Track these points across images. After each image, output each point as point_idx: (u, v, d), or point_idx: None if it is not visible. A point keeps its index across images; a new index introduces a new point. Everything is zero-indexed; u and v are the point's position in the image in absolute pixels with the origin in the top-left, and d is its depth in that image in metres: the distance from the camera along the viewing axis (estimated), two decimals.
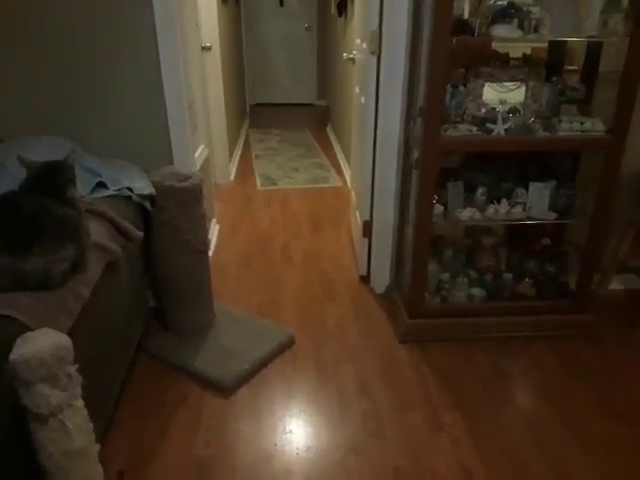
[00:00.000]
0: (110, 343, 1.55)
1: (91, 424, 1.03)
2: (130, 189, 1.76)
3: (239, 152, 5.20)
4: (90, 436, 1.03)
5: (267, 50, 7.31)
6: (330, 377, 2.06)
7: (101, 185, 1.73)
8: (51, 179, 1.25)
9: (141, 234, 1.64)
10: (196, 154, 2.71)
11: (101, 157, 1.95)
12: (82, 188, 1.53)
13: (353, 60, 3.01)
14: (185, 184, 1.93)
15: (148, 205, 1.85)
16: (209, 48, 3.72)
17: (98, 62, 2.12)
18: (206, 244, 2.11)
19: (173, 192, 1.91)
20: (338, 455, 1.69)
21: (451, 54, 1.88)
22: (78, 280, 1.25)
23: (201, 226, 2.06)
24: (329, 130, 6.11)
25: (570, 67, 2.34)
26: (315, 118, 6.78)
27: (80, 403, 0.99)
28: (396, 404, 1.92)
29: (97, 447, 1.05)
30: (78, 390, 0.99)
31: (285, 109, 7.40)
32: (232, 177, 4.45)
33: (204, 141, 2.99)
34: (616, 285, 2.64)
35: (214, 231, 3.27)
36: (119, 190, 1.73)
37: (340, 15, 4.66)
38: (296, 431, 1.80)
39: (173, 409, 1.87)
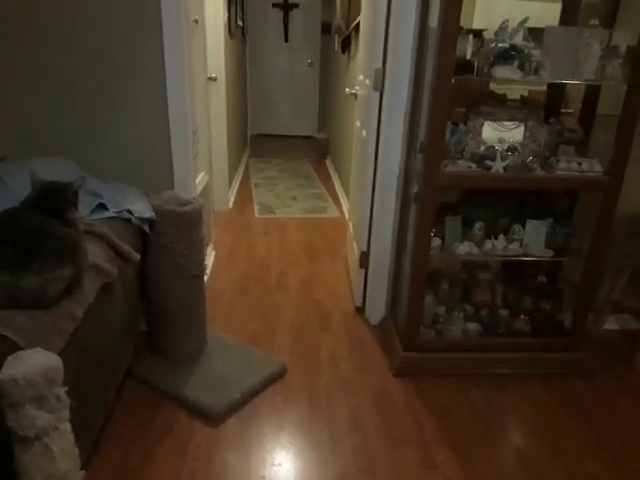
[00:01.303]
0: (100, 366, 1.52)
1: (76, 449, 1.00)
2: (130, 212, 1.76)
3: (239, 180, 5.24)
4: (75, 462, 1.00)
5: (270, 83, 7.45)
6: (321, 409, 2.02)
7: (101, 206, 1.73)
8: (54, 199, 1.25)
9: (138, 256, 1.63)
10: (197, 180, 2.72)
11: (102, 178, 1.97)
12: (82, 209, 1.53)
13: (355, 95, 3.07)
14: (186, 209, 1.93)
15: (147, 228, 1.85)
16: (215, 79, 3.80)
17: (103, 84, 2.15)
18: (202, 269, 2.10)
19: (173, 216, 1.91)
20: None
21: (452, 93, 1.92)
22: (73, 300, 1.23)
23: (198, 251, 2.05)
24: (328, 162, 6.18)
25: (567, 110, 2.39)
26: (315, 150, 6.86)
27: (67, 427, 0.96)
28: (388, 439, 1.88)
29: (82, 474, 1.02)
30: (66, 413, 0.96)
31: (286, 141, 7.49)
32: (230, 204, 4.47)
33: (205, 168, 3.01)
34: (611, 325, 2.63)
35: (210, 257, 3.27)
36: (119, 212, 1.74)
37: (343, 52, 4.78)
38: (285, 464, 1.75)
39: (160, 437, 1.83)
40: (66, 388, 0.95)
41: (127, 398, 2.00)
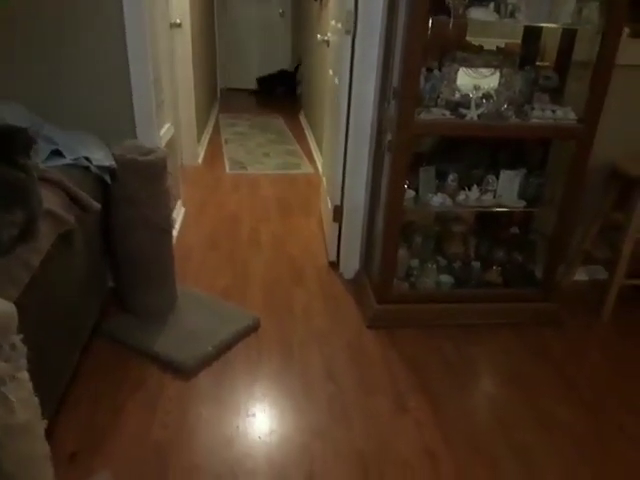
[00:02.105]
0: (62, 319, 1.46)
1: (36, 399, 0.95)
2: (88, 159, 1.66)
3: (208, 135, 5.08)
4: (35, 411, 0.96)
5: (240, 34, 7.16)
6: (296, 361, 2.01)
7: (57, 153, 1.62)
8: (5, 142, 1.15)
9: (98, 205, 1.55)
10: (162, 131, 2.61)
11: (59, 127, 1.84)
12: (37, 156, 1.43)
13: (327, 42, 2.95)
14: (148, 158, 1.84)
15: (108, 178, 1.76)
16: (179, 25, 3.60)
17: (61, 29, 2.00)
18: (169, 222, 2.03)
19: (135, 166, 1.82)
20: (302, 439, 1.65)
21: (427, 36, 1.85)
22: (27, 248, 1.16)
23: (164, 203, 1.97)
24: (302, 117, 6.04)
25: (544, 63, 2.34)
26: (287, 104, 6.70)
27: (25, 375, 0.92)
28: (362, 388, 1.89)
29: (44, 423, 0.98)
30: (23, 362, 0.91)
31: (257, 95, 7.28)
32: (200, 160, 4.34)
33: (170, 119, 2.88)
34: (581, 276, 2.67)
35: (180, 213, 3.18)
36: (76, 160, 1.63)
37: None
38: (259, 415, 1.75)
39: (130, 392, 1.79)
40: (21, 336, 0.90)
41: (96, 355, 1.96)
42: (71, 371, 1.66)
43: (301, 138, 5.25)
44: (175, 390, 1.82)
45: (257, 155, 4.61)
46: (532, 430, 1.74)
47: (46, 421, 0.98)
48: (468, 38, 2.35)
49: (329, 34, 2.90)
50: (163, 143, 2.59)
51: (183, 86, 3.81)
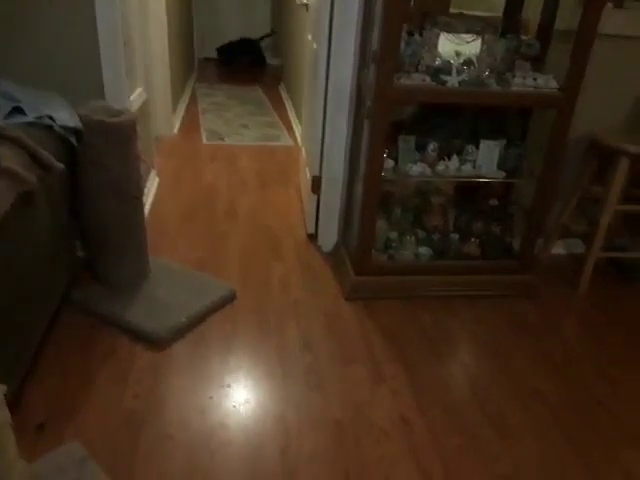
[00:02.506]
0: (24, 284, 1.40)
1: None
2: (52, 118, 1.57)
3: (184, 105, 4.94)
4: None
5: (219, 3, 6.94)
6: (272, 332, 1.98)
7: (19, 111, 1.53)
8: None
9: (61, 165, 1.47)
10: (132, 96, 2.50)
11: (20, 84, 1.74)
12: None
13: (307, 6, 2.86)
14: (117, 119, 1.76)
15: (74, 140, 1.67)
16: None
17: None
18: (140, 189, 1.96)
19: (103, 128, 1.73)
20: (277, 409, 1.63)
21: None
22: None
23: (134, 169, 1.89)
24: (281, 89, 5.91)
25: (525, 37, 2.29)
26: (267, 76, 6.55)
27: None
28: (339, 358, 1.87)
29: (3, 389, 0.93)
30: None
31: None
32: (176, 130, 4.21)
33: (142, 84, 2.77)
34: (559, 249, 2.68)
35: (154, 183, 3.09)
36: (39, 118, 1.54)
37: None
38: (234, 385, 1.72)
39: (100, 362, 1.74)
40: None
41: (66, 324, 1.89)
42: (38, 339, 1.60)
43: (281, 110, 5.15)
44: (147, 361, 1.78)
45: (235, 126, 4.50)
46: (508, 399, 1.74)
47: (4, 386, 0.93)
48: (453, 10, 2.30)
49: None
50: (134, 108, 2.49)
51: (157, 51, 3.67)
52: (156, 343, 1.84)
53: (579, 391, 1.81)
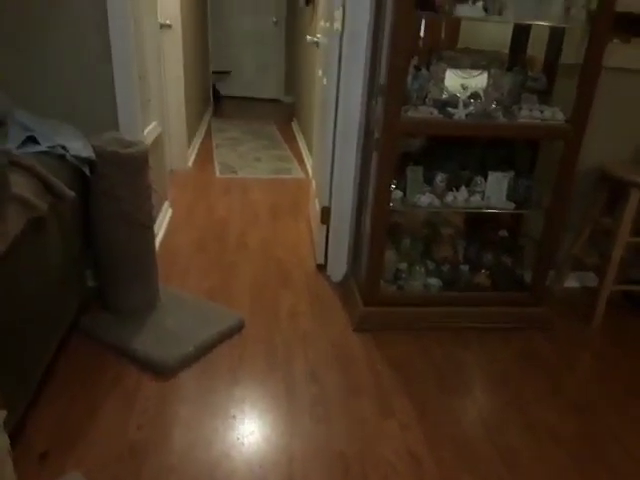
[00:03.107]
0: (32, 311, 1.41)
1: None
2: (65, 148, 1.62)
3: (200, 140, 5.05)
4: None
5: (234, 43, 7.17)
6: (279, 363, 1.96)
7: (32, 140, 1.58)
8: None
9: (72, 193, 1.50)
10: (147, 129, 2.57)
11: (37, 115, 1.80)
12: (10, 142, 1.40)
13: (317, 44, 2.94)
14: (130, 150, 1.80)
15: (87, 170, 1.72)
16: (169, 26, 3.59)
17: (44, 14, 1.96)
18: (150, 219, 1.99)
19: (116, 158, 1.78)
20: (282, 441, 1.60)
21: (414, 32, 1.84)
22: None
23: (145, 199, 1.93)
24: (294, 125, 6.03)
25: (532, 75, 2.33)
26: (281, 113, 6.69)
27: None
28: (346, 390, 1.84)
29: (3, 414, 0.93)
30: None
31: (250, 103, 7.28)
32: (190, 163, 4.30)
33: (157, 118, 2.85)
34: (572, 282, 2.64)
35: (167, 214, 3.14)
36: (52, 148, 1.59)
37: (307, 4, 4.59)
38: (239, 416, 1.69)
39: (106, 391, 1.74)
40: None
41: (74, 352, 1.90)
42: (45, 365, 1.60)
43: (293, 144, 5.24)
44: (153, 390, 1.77)
45: (248, 159, 4.58)
46: (519, 434, 1.69)
47: (4, 411, 0.93)
48: (460, 46, 2.36)
49: (318, 35, 2.89)
50: (149, 141, 2.56)
51: (173, 87, 3.79)
52: (163, 372, 1.83)
53: (593, 426, 1.75)
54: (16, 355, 1.32)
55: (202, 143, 5.03)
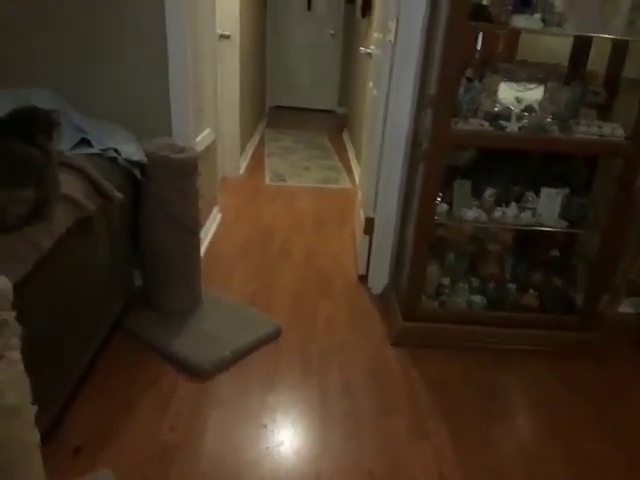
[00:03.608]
0: (77, 308, 1.46)
1: (27, 382, 0.94)
2: (117, 151, 1.68)
3: (252, 148, 5.15)
4: (25, 395, 0.94)
5: (291, 54, 7.29)
6: (314, 373, 1.95)
7: (86, 142, 1.65)
8: (25, 122, 1.17)
9: (120, 195, 1.55)
10: (201, 136, 2.64)
11: (93, 118, 1.88)
12: (64, 143, 1.46)
13: (370, 55, 2.93)
14: (180, 156, 1.85)
15: (138, 173, 1.78)
16: (228, 37, 3.69)
17: (101, 18, 2.05)
18: (196, 223, 2.03)
19: (166, 163, 1.83)
20: (311, 454, 1.58)
21: (466, 41, 1.80)
22: (38, 228, 1.17)
23: (193, 203, 1.98)
24: (345, 135, 6.05)
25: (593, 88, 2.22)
26: (334, 124, 6.73)
27: (16, 356, 0.90)
28: (379, 407, 1.80)
29: (34, 409, 0.96)
30: (15, 341, 0.89)
31: (304, 114, 7.36)
32: (242, 171, 4.38)
33: (210, 125, 2.92)
34: (627, 308, 2.49)
35: (216, 219, 3.20)
36: (105, 150, 1.66)
37: (363, 16, 4.61)
38: (270, 425, 1.68)
39: (143, 390, 1.78)
40: (14, 313, 0.89)
41: (115, 349, 1.96)
42: (86, 363, 1.66)
43: (342, 154, 5.25)
44: (188, 392, 1.79)
45: (298, 168, 4.62)
46: (560, 467, 1.59)
47: (36, 406, 0.96)
48: (519, 59, 2.28)
49: (372, 47, 2.88)
50: (202, 147, 2.62)
51: (229, 96, 3.89)
52: (199, 375, 1.85)
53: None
54: (57, 351, 1.37)
55: (255, 151, 5.12)
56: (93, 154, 1.62)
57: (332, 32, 7.15)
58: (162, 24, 2.06)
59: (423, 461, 1.58)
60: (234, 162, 4.21)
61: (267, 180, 4.24)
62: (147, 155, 1.82)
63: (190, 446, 1.57)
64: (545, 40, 2.39)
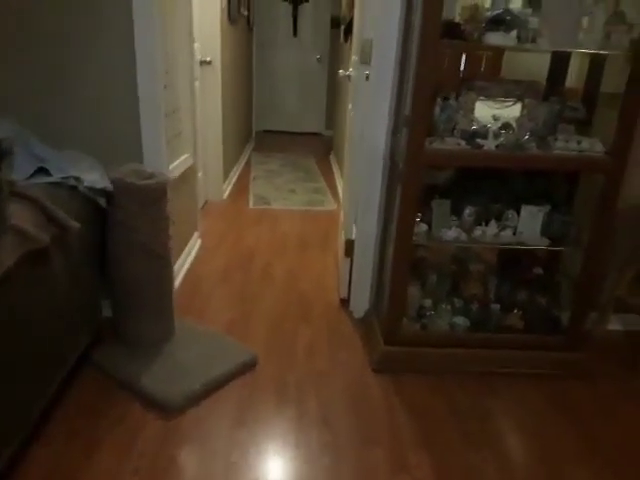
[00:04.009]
0: (33, 342, 1.38)
1: None
2: (78, 179, 1.62)
3: (238, 172, 5.11)
4: None
5: (278, 79, 7.31)
6: (290, 404, 1.86)
7: (44, 171, 1.59)
8: None
9: (77, 224, 1.48)
10: (177, 161, 2.59)
11: (63, 146, 1.82)
12: (19, 172, 1.40)
13: (349, 77, 2.91)
14: (147, 182, 1.79)
15: (102, 202, 1.71)
16: (209, 62, 3.67)
17: (67, 44, 1.99)
18: (167, 250, 1.96)
19: (132, 190, 1.77)
20: None
21: (440, 60, 1.77)
22: None
23: (163, 230, 1.91)
24: (332, 157, 6.03)
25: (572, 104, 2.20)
26: (321, 147, 6.71)
27: None
28: (358, 438, 1.71)
29: None
30: None
31: (292, 137, 7.35)
32: (225, 195, 4.33)
33: (189, 151, 2.88)
34: (615, 325, 2.42)
35: (195, 244, 3.13)
36: (65, 179, 1.59)
37: (346, 41, 4.63)
38: (240, 462, 1.59)
39: (109, 429, 1.68)
40: None
41: (81, 386, 1.87)
42: (44, 403, 1.56)
43: (329, 176, 5.22)
44: (155, 430, 1.69)
45: (283, 191, 4.58)
46: None
47: None
48: (506, 77, 2.26)
49: (350, 69, 2.86)
50: (177, 173, 2.57)
51: (211, 122, 3.86)
52: (168, 411, 1.76)
53: None
54: (12, 388, 1.28)
55: (241, 175, 5.07)
56: (52, 183, 1.56)
57: (318, 57, 7.19)
58: (132, 53, 2.01)
59: None
60: (217, 187, 4.16)
61: (251, 204, 4.19)
62: (113, 182, 1.76)
63: None
64: (529, 58, 2.38)
